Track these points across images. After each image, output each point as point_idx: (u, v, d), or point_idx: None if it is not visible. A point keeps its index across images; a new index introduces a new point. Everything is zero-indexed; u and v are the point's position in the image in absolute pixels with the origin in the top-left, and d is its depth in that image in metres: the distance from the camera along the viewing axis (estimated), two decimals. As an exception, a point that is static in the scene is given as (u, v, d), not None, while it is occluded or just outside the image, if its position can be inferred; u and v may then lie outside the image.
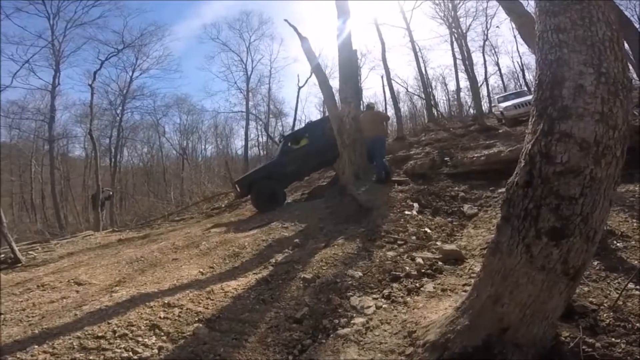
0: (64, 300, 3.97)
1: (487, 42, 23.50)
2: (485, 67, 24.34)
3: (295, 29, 8.63)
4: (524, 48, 25.74)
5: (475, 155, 7.47)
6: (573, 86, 1.68)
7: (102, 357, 2.51)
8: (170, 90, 52.99)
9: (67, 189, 23.08)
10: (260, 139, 28.91)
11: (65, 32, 19.63)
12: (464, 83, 22.90)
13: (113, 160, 23.09)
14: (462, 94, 24.30)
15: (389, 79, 17.55)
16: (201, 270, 4.40)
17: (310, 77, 23.67)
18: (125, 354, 2.54)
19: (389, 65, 17.54)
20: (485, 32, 22.73)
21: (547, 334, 1.81)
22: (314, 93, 44.25)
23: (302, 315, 2.88)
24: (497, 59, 25.87)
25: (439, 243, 4.32)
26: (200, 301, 3.26)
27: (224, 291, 3.45)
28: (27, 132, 22.69)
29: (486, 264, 1.92)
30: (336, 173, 9.01)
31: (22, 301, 4.11)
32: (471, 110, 22.40)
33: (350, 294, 3.08)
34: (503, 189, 6.07)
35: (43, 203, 22.77)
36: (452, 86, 27.22)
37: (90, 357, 2.50)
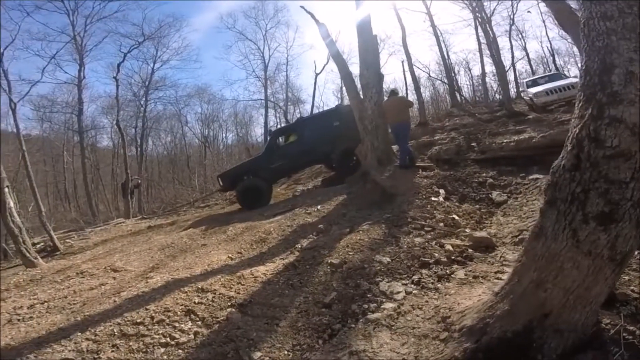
0: (103, 287, 4.13)
1: (513, 27, 22.27)
2: (512, 52, 23.10)
3: (312, 15, 8.49)
4: (553, 32, 24.43)
5: (505, 141, 7.22)
6: (623, 72, 1.65)
7: (141, 343, 2.58)
8: (191, 80, 53.80)
9: (97, 178, 24.04)
10: (279, 126, 28.97)
11: (86, 27, 20.14)
12: (489, 68, 21.96)
13: (139, 149, 23.77)
14: (487, 79, 23.31)
15: (410, 65, 17.01)
16: (230, 255, 4.50)
17: (327, 63, 23.38)
18: (163, 340, 2.61)
19: (410, 51, 16.99)
20: (511, 16, 21.50)
21: (589, 320, 1.77)
22: (331, 79, 43.70)
23: (331, 300, 2.90)
24: (525, 43, 24.43)
25: (468, 230, 4.24)
26: (232, 286, 3.33)
27: (253, 276, 3.52)
28: (57, 124, 23.71)
29: (528, 248, 1.89)
30: (357, 158, 8.90)
31: (63, 288, 4.31)
32: (497, 96, 21.53)
33: (379, 279, 3.08)
34: (534, 176, 5.84)
35: (76, 192, 23.88)
36: (476, 71, 26.18)
37: (130, 343, 2.58)
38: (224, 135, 31.48)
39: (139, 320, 2.84)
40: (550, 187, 1.80)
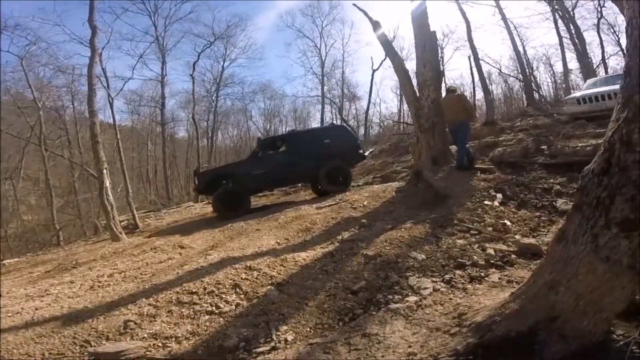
0: (170, 260, 4.75)
1: (602, 20, 19.49)
2: (602, 47, 20.14)
3: (366, 13, 8.24)
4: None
5: (580, 144, 6.58)
6: None
7: (191, 310, 2.98)
8: (256, 77, 57.38)
9: (174, 165, 26.73)
10: (335, 122, 29.27)
11: (166, 28, 22.36)
12: (575, 64, 19.53)
13: (210, 141, 25.88)
14: (572, 76, 20.76)
15: (477, 60, 15.97)
16: (278, 241, 4.87)
17: (384, 60, 22.88)
18: (209, 308, 2.99)
19: (478, 45, 16.01)
20: (599, 9, 18.84)
21: (598, 329, 1.70)
22: (389, 76, 42.36)
23: (359, 287, 3.05)
24: (619, 37, 21.12)
25: (517, 236, 4.04)
26: (275, 267, 3.67)
27: (294, 260, 3.81)
28: (143, 116, 26.87)
29: (550, 251, 1.86)
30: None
31: (138, 261, 5.01)
32: (583, 94, 19.13)
33: (410, 274, 3.14)
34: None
35: (155, 177, 26.85)
36: (559, 67, 23.58)
37: (182, 310, 2.99)
38: (284, 129, 32.77)
39: (194, 290, 3.26)
40: (579, 191, 1.75)
